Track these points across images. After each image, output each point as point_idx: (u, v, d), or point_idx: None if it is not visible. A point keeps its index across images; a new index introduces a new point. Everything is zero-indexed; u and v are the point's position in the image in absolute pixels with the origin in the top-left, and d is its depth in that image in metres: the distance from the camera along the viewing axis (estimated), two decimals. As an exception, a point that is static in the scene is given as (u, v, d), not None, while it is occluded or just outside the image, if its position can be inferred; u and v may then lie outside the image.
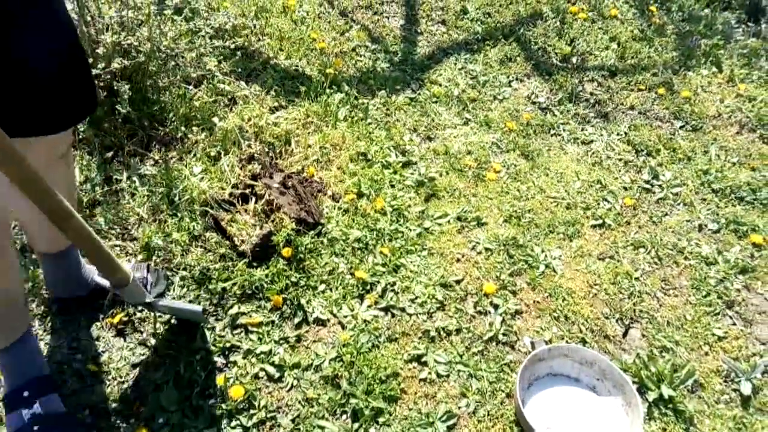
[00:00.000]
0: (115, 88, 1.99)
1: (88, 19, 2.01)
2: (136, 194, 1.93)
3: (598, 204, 2.15)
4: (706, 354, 1.71)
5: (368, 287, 1.77)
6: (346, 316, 1.69)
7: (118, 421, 1.43)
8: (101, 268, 1.30)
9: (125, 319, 1.62)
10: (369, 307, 1.72)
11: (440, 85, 2.64)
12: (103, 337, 1.59)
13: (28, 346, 1.38)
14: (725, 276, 1.91)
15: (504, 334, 1.69)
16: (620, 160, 2.35)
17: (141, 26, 2.10)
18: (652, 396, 1.57)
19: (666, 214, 2.14)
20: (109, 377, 1.51)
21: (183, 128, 2.19)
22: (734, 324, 1.80)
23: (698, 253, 1.99)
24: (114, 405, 1.46)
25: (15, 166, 1.00)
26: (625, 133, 2.47)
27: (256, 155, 2.06)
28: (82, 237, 1.17)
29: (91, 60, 1.94)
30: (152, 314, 1.63)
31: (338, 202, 2.01)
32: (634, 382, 1.58)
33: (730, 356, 1.70)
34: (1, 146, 0.97)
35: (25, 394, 1.33)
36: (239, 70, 2.49)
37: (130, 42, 2.04)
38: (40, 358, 1.41)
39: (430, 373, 1.58)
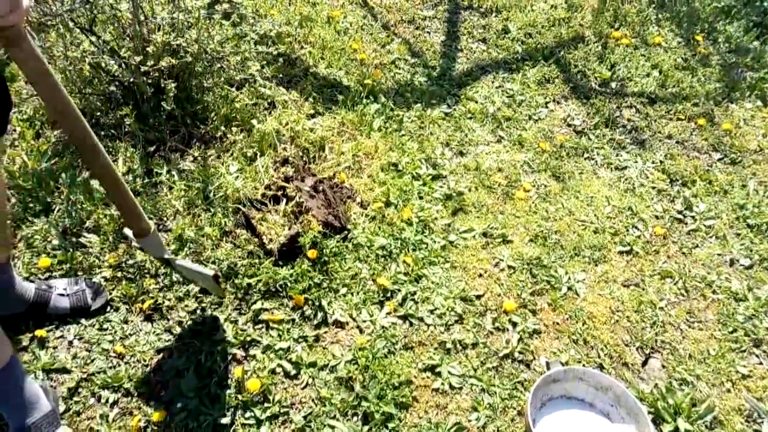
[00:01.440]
0: (162, 85, 2.09)
1: (142, 18, 2.12)
2: (174, 188, 2.01)
3: (627, 230, 2.13)
4: (728, 391, 1.67)
5: (389, 294, 1.80)
6: (364, 321, 1.72)
7: (139, 402, 1.49)
8: (125, 215, 1.35)
9: (154, 306, 1.69)
10: (388, 314, 1.75)
11: (476, 101, 2.66)
12: (132, 321, 1.66)
13: (12, 377, 1.32)
14: (754, 313, 1.87)
15: (520, 352, 1.69)
16: (654, 188, 2.33)
17: (190, 28, 2.19)
18: (667, 428, 1.54)
19: (697, 246, 2.10)
20: (134, 360, 1.58)
21: (223, 128, 2.27)
22: (761, 363, 1.75)
23: (728, 287, 1.95)
24: (136, 386, 1.52)
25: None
26: (661, 162, 2.44)
27: (290, 158, 2.12)
28: (108, 176, 1.26)
29: (140, 58, 2.04)
30: (180, 304, 1.69)
31: (366, 209, 2.05)
32: (649, 413, 1.55)
33: (754, 395, 1.66)
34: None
35: None
36: (281, 75, 2.57)
37: (179, 43, 2.14)
38: (31, 389, 1.35)
39: (443, 383, 1.60)
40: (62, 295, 1.62)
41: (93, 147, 1.23)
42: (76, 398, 1.49)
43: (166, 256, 1.49)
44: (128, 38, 2.16)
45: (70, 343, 1.60)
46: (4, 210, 1.42)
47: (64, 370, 1.54)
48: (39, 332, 1.59)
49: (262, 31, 2.51)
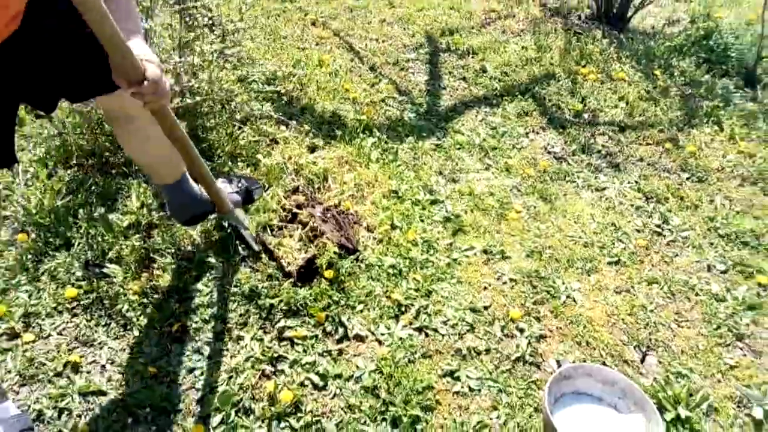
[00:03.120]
0: (175, 124, 2.20)
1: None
2: (189, 219, 2.10)
3: (613, 244, 2.31)
4: (719, 381, 1.82)
5: (403, 309, 1.91)
6: (383, 334, 1.83)
7: (176, 419, 1.54)
8: (215, 202, 1.86)
9: (182, 328, 1.76)
10: (404, 326, 1.86)
11: (463, 134, 2.85)
12: (162, 343, 1.72)
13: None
14: (734, 311, 2.05)
15: (530, 355, 1.82)
16: (632, 205, 2.53)
17: (201, 71, 2.33)
18: (669, 416, 1.68)
19: (677, 255, 2.29)
20: (167, 379, 1.64)
21: (230, 163, 2.39)
22: (745, 355, 1.92)
23: (708, 290, 2.13)
24: (171, 404, 1.57)
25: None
26: (636, 182, 2.66)
27: (300, 187, 2.24)
28: (196, 165, 1.65)
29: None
30: (206, 325, 1.77)
31: (373, 232, 2.18)
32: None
33: (742, 384, 1.82)
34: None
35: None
36: (281, 113, 2.72)
37: (190, 85, 2.27)
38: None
39: (462, 387, 1.70)
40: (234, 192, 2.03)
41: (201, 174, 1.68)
42: (113, 418, 1.54)
43: (233, 223, 2.01)
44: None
45: (103, 367, 1.65)
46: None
47: (101, 393, 1.58)
48: (72, 357, 1.64)
49: (266, 72, 2.67)
